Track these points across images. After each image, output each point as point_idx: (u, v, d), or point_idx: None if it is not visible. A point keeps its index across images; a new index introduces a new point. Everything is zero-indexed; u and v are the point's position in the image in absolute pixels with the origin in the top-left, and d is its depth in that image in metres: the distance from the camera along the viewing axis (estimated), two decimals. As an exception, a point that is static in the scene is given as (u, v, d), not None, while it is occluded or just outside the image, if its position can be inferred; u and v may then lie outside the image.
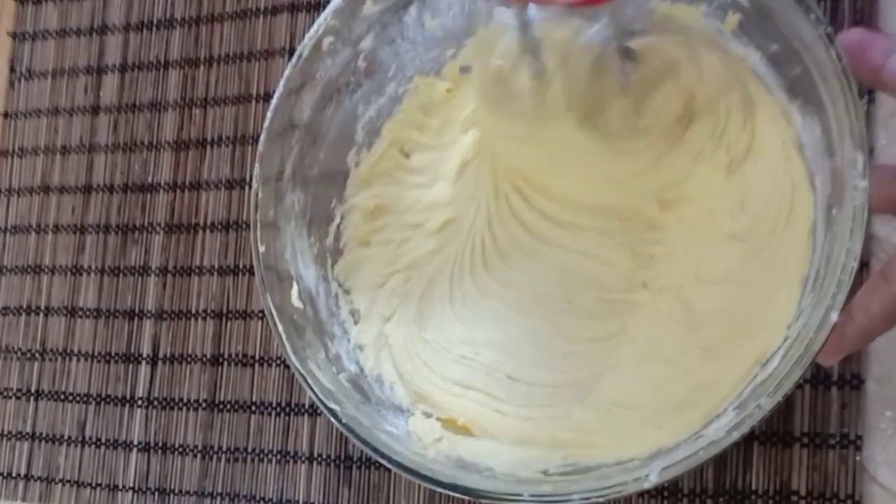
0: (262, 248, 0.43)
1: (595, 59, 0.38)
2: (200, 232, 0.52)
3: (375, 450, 0.38)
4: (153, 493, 0.50)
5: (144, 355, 0.52)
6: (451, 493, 0.37)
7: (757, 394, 0.34)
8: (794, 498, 0.40)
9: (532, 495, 0.36)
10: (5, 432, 0.55)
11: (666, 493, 0.42)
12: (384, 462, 0.38)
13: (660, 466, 0.34)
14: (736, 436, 0.33)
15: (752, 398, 0.34)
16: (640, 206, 0.42)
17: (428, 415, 0.42)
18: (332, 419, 0.39)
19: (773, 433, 0.40)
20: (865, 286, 0.33)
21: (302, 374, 0.40)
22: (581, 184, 0.43)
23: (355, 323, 0.45)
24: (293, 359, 0.41)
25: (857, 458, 0.39)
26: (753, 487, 0.40)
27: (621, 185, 0.42)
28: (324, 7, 0.43)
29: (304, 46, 0.43)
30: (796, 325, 0.35)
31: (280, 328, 0.41)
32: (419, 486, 0.45)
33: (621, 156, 0.42)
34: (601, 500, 0.35)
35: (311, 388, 0.40)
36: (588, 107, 0.40)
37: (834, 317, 0.32)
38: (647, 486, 0.34)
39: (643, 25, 0.38)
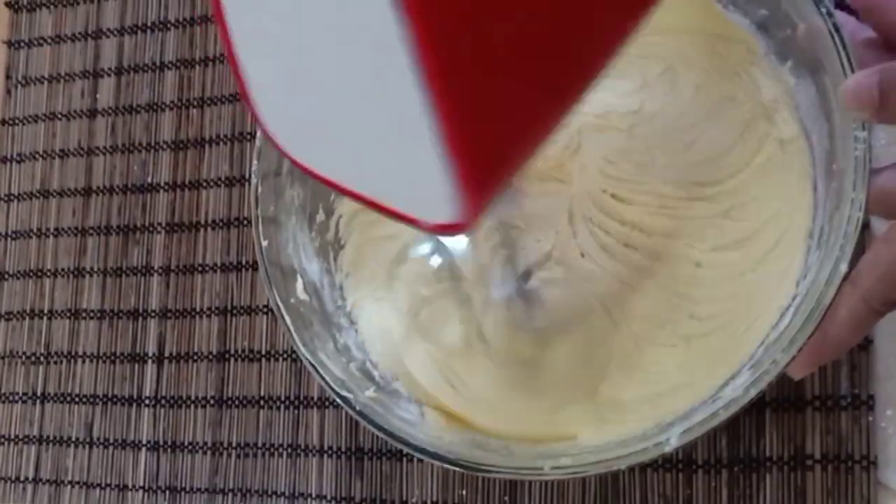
0: (264, 244, 0.42)
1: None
2: (202, 230, 0.52)
3: (392, 435, 0.38)
4: (164, 492, 0.50)
5: (150, 355, 0.52)
6: (474, 473, 0.37)
7: (771, 351, 0.34)
8: (809, 462, 0.40)
9: (553, 468, 0.36)
10: (12, 436, 0.54)
11: (681, 466, 0.42)
12: (403, 446, 0.38)
13: (679, 430, 0.34)
14: (753, 393, 0.33)
15: (766, 356, 0.35)
16: None
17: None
18: (345, 407, 0.39)
19: (785, 399, 0.41)
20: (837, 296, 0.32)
21: (312, 364, 0.40)
22: None
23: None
24: (303, 350, 0.40)
25: (870, 418, 0.39)
26: (768, 454, 0.40)
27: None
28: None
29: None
30: (805, 282, 0.36)
31: (287, 320, 0.41)
32: (432, 474, 0.45)
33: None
34: (622, 467, 0.35)
35: (323, 378, 0.40)
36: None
37: (843, 267, 0.32)
38: (667, 449, 0.34)
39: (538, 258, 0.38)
